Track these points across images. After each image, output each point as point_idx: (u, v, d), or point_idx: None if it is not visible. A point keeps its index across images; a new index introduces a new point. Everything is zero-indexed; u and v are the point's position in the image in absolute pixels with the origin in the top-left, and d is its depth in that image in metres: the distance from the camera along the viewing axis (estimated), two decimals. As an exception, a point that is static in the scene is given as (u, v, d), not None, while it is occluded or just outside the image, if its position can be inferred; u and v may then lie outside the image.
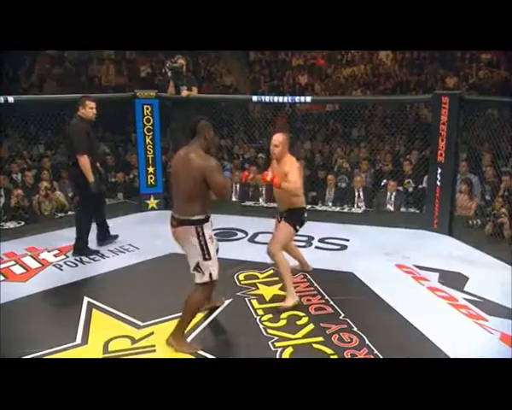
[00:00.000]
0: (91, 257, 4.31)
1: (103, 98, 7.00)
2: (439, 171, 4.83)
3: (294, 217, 3.47)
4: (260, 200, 6.34)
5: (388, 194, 5.97)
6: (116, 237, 4.68)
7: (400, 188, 6.11)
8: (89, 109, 4.21)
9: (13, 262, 4.15)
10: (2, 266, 4.05)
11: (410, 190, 6.12)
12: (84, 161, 4.11)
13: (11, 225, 5.17)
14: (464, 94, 5.12)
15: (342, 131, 8.07)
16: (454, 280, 3.80)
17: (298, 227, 3.51)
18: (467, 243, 4.62)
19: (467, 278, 3.83)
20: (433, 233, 4.90)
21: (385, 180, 6.30)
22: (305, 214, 3.55)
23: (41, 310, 3.44)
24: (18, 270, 4.02)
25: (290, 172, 3.32)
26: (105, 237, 4.59)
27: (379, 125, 7.83)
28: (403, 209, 5.92)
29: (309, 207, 6.02)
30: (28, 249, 4.34)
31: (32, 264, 4.13)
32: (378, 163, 7.06)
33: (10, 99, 4.88)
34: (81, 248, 4.32)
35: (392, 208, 5.92)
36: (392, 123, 7.09)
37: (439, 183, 4.86)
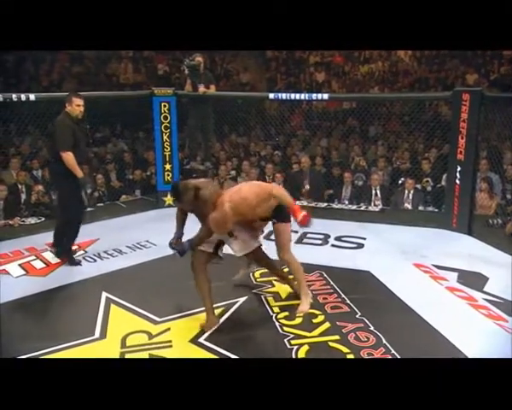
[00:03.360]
0: (109, 253, 4.37)
1: (121, 96, 7.14)
2: (459, 169, 4.75)
3: (281, 214, 3.23)
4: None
5: (406, 192, 5.90)
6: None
7: (418, 186, 6.04)
8: (75, 106, 4.00)
9: (33, 257, 4.23)
10: (24, 260, 4.13)
11: (429, 189, 6.04)
12: (69, 158, 3.88)
13: (32, 220, 5.27)
14: (485, 91, 5.03)
15: (359, 129, 8.00)
16: (474, 280, 3.74)
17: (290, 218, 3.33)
18: (487, 242, 4.54)
19: (487, 279, 3.76)
20: (451, 232, 4.83)
21: (402, 178, 6.24)
22: None
23: (60, 304, 3.50)
24: (38, 264, 4.10)
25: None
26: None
27: (397, 123, 7.73)
28: (421, 208, 5.85)
29: (325, 205, 6.03)
30: (48, 245, 4.41)
31: (52, 259, 4.20)
32: (396, 161, 6.99)
33: (32, 97, 4.97)
34: (67, 253, 4.10)
35: (409, 207, 5.85)
36: (410, 121, 7.00)
37: (458, 181, 4.78)
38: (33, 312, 3.36)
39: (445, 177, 5.59)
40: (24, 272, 3.94)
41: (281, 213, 3.23)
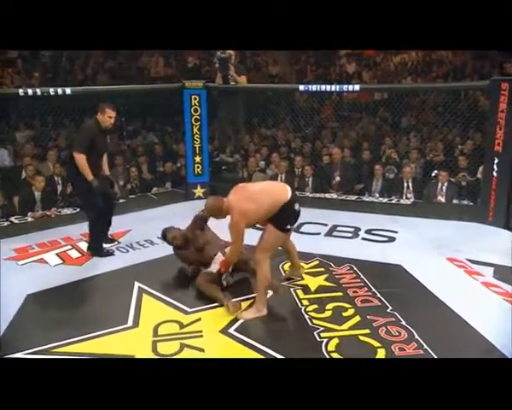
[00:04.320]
0: (141, 243, 4.46)
1: (153, 89, 7.23)
2: (496, 161, 4.60)
3: (280, 218, 3.04)
4: (306, 190, 6.29)
5: (439, 185, 5.75)
6: (114, 240, 4.47)
7: (452, 179, 5.88)
8: (107, 117, 4.00)
9: (69, 247, 4.36)
10: (60, 250, 4.27)
11: (464, 184, 5.86)
12: (81, 160, 3.88)
13: (67, 211, 5.43)
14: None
15: (391, 121, 7.85)
16: (510, 275, 3.62)
17: (288, 227, 3.13)
18: (525, 237, 4.39)
19: (524, 274, 3.64)
20: (487, 226, 4.68)
21: (436, 171, 6.09)
22: (296, 205, 3.09)
23: (95, 293, 3.60)
24: (74, 254, 4.22)
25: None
26: (105, 239, 4.38)
27: (430, 114, 7.53)
28: (455, 201, 5.69)
29: (355, 198, 5.96)
30: (83, 235, 4.54)
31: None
32: (429, 153, 6.82)
33: (68, 91, 5.11)
34: (96, 249, 4.16)
35: (443, 200, 5.70)
36: (444, 111, 6.80)
37: (495, 174, 4.62)
38: (69, 300, 3.46)
39: (481, 169, 5.42)
40: (61, 261, 4.07)
41: (278, 218, 3.05)
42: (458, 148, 6.68)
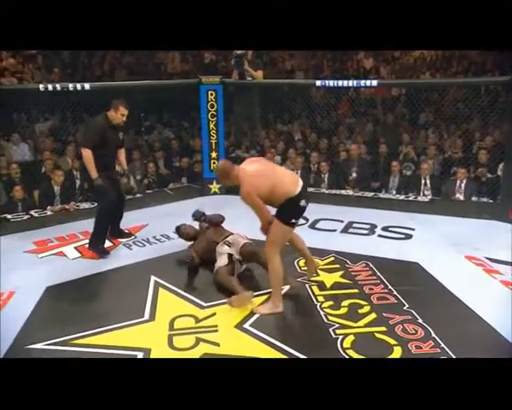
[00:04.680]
0: (157, 238, 4.50)
1: (170, 85, 7.27)
2: (517, 158, 4.52)
3: (284, 211, 3.03)
4: (322, 186, 6.26)
5: (458, 182, 5.67)
6: (130, 234, 4.51)
7: (472, 175, 5.78)
8: (120, 115, 4.02)
9: (87, 240, 4.42)
10: (79, 243, 4.33)
11: (484, 179, 5.76)
12: (87, 156, 3.91)
13: (86, 205, 5.50)
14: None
15: (409, 116, 7.74)
16: (530, 275, 3.56)
17: (293, 221, 3.07)
18: (546, 236, 4.29)
19: (545, 274, 3.57)
20: (507, 224, 4.59)
21: (454, 168, 5.99)
22: (302, 202, 3.04)
23: (112, 286, 3.65)
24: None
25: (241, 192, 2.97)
26: (119, 233, 4.48)
27: (449, 110, 7.40)
28: (474, 198, 5.60)
29: (371, 194, 5.91)
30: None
31: (105, 243, 4.37)
32: (447, 150, 6.72)
33: (86, 86, 5.17)
34: (94, 245, 4.13)
35: (461, 197, 5.62)
36: (465, 107, 6.68)
37: (516, 171, 4.54)
38: (87, 292, 3.52)
39: (501, 166, 5.32)
40: (79, 255, 4.13)
41: (281, 209, 3.05)
42: (477, 144, 6.56)
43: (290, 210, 3.03)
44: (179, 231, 4.14)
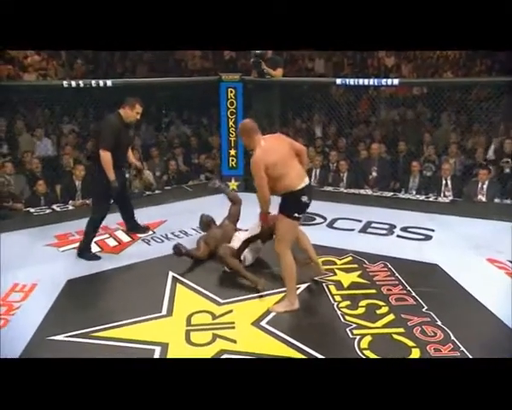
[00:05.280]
0: (176, 234, 4.54)
1: (191, 82, 7.31)
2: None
3: (286, 205, 3.05)
4: (341, 185, 6.22)
5: (480, 183, 5.56)
6: (147, 229, 4.54)
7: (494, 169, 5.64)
8: (135, 113, 3.95)
9: (107, 235, 4.48)
10: (99, 238, 4.40)
11: (507, 170, 5.61)
12: (106, 157, 3.80)
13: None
14: None
15: (431, 116, 7.63)
16: (554, 280, 3.47)
17: (296, 215, 3.06)
18: None
19: None
20: (531, 227, 4.50)
21: (476, 168, 5.89)
22: (304, 198, 3.05)
23: (131, 280, 3.69)
24: (111, 242, 4.34)
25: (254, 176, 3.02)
26: (137, 228, 4.50)
27: (473, 110, 7.25)
28: (497, 200, 5.49)
29: (390, 194, 5.84)
30: (119, 224, 4.66)
31: (124, 238, 4.44)
32: (469, 151, 6.59)
33: (109, 83, 5.23)
34: (82, 250, 4.01)
35: (484, 199, 5.51)
36: (489, 107, 6.54)
37: (541, 172, 4.43)
38: (106, 286, 3.58)
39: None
40: (99, 249, 4.19)
41: (283, 203, 3.08)
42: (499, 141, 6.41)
43: (292, 204, 3.05)
44: (201, 217, 4.21)
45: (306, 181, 3.10)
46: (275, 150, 3.05)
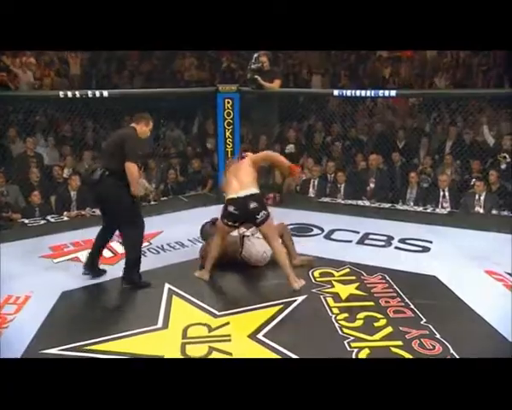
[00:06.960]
0: (172, 245, 4.50)
1: (188, 93, 7.31)
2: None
3: (222, 210, 3.66)
4: (338, 196, 6.21)
5: (476, 195, 5.56)
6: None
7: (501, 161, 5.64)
8: (148, 130, 3.81)
9: (102, 246, 4.44)
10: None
11: (503, 165, 5.59)
12: (134, 170, 3.56)
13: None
14: None
15: (429, 127, 7.64)
16: (553, 292, 3.45)
17: (225, 220, 3.61)
18: None
19: None
20: (529, 239, 4.48)
21: (474, 180, 5.88)
22: (230, 208, 3.55)
23: (126, 293, 3.64)
24: (107, 254, 4.27)
25: None
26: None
27: (470, 120, 7.27)
28: (494, 212, 5.48)
29: (388, 205, 5.83)
30: (115, 235, 4.61)
31: (119, 249, 4.37)
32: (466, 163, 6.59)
33: (105, 93, 5.23)
34: (89, 266, 3.85)
35: (481, 210, 5.50)
36: (490, 115, 6.56)
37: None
38: (101, 298, 3.54)
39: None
40: (94, 260, 4.14)
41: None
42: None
43: (223, 211, 3.63)
44: (203, 227, 4.33)
45: (242, 194, 3.52)
46: (231, 166, 3.84)
